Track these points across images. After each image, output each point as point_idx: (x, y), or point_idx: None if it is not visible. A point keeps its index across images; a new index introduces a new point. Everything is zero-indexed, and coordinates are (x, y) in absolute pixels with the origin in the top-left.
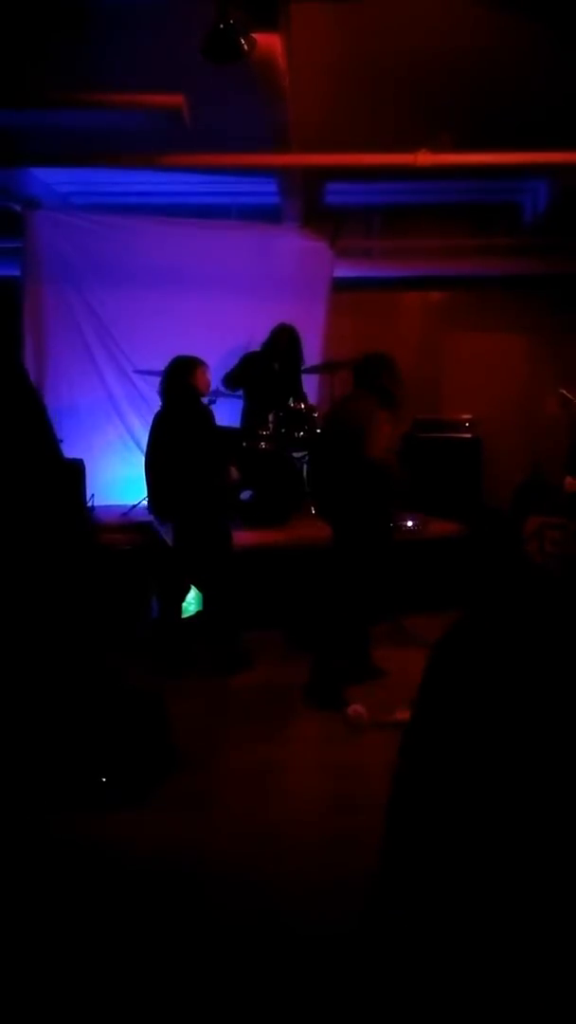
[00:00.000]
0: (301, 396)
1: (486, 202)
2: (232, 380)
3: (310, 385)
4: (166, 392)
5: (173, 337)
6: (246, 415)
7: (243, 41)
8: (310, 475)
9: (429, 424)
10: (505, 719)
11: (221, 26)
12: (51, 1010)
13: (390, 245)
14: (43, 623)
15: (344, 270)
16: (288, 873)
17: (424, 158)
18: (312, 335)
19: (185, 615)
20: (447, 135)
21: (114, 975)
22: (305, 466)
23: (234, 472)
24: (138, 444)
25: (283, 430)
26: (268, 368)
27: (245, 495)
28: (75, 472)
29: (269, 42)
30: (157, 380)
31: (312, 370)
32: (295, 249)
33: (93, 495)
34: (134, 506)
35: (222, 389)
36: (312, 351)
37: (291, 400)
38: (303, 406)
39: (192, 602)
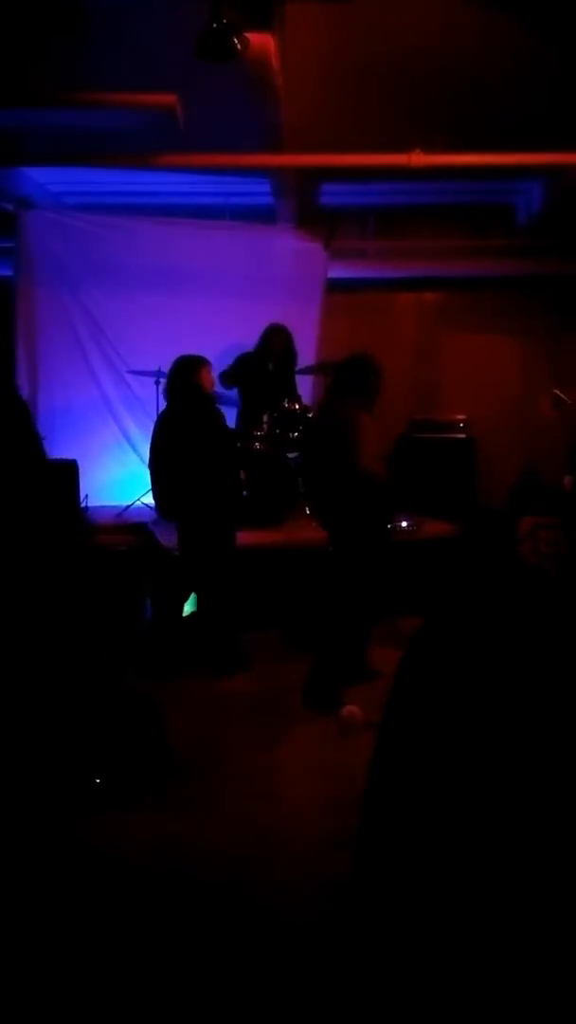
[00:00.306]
0: (295, 396)
1: (480, 203)
2: (227, 379)
3: (304, 386)
4: (172, 392)
5: (167, 338)
6: (240, 416)
7: (236, 41)
8: (303, 481)
9: (424, 424)
10: (479, 712)
11: (214, 25)
12: (48, 1009)
13: (384, 246)
14: (36, 625)
15: (338, 271)
16: (284, 874)
17: (418, 159)
18: (306, 336)
19: (183, 615)
20: (441, 136)
21: (108, 976)
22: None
23: (242, 473)
24: (132, 445)
25: (277, 431)
26: (262, 369)
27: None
28: (62, 473)
29: (262, 42)
30: (151, 380)
31: (306, 371)
32: (289, 250)
33: (87, 496)
34: (128, 506)
35: (217, 387)
36: (306, 352)
37: (285, 401)
38: (297, 407)
39: (189, 602)
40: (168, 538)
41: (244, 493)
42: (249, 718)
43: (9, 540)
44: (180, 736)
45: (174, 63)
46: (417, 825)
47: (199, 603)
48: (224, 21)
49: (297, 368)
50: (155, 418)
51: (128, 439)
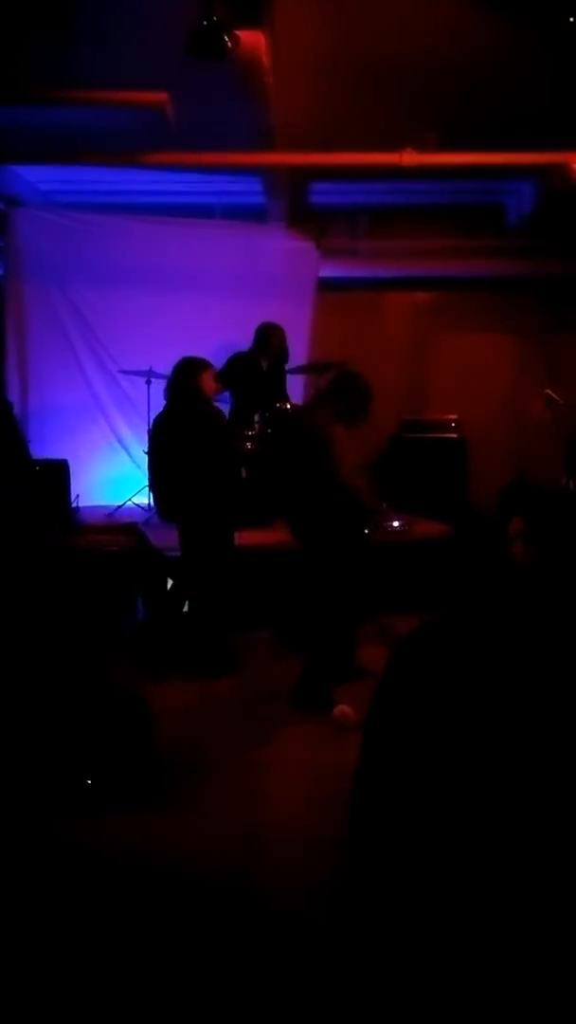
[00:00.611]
0: (285, 396)
1: (471, 203)
2: (220, 380)
3: (296, 385)
4: (171, 392)
5: (158, 337)
6: (232, 415)
7: (227, 38)
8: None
9: (414, 424)
10: (464, 711)
11: (205, 23)
12: (43, 1009)
13: (376, 245)
14: (22, 627)
15: (330, 270)
16: (276, 873)
17: (409, 158)
18: (298, 335)
19: (173, 617)
20: (432, 135)
21: (96, 977)
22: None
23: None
24: (123, 445)
25: (269, 430)
26: (255, 368)
27: None
28: (52, 473)
29: (253, 40)
30: (142, 380)
31: (298, 370)
32: (280, 249)
33: (78, 496)
34: (120, 507)
35: None
36: (298, 351)
37: (277, 401)
38: (288, 406)
39: (182, 604)
40: (159, 538)
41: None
42: (240, 718)
43: None
44: (171, 737)
45: (165, 61)
46: (403, 822)
47: (190, 605)
48: (215, 19)
49: (288, 368)
50: (146, 418)
51: (119, 439)
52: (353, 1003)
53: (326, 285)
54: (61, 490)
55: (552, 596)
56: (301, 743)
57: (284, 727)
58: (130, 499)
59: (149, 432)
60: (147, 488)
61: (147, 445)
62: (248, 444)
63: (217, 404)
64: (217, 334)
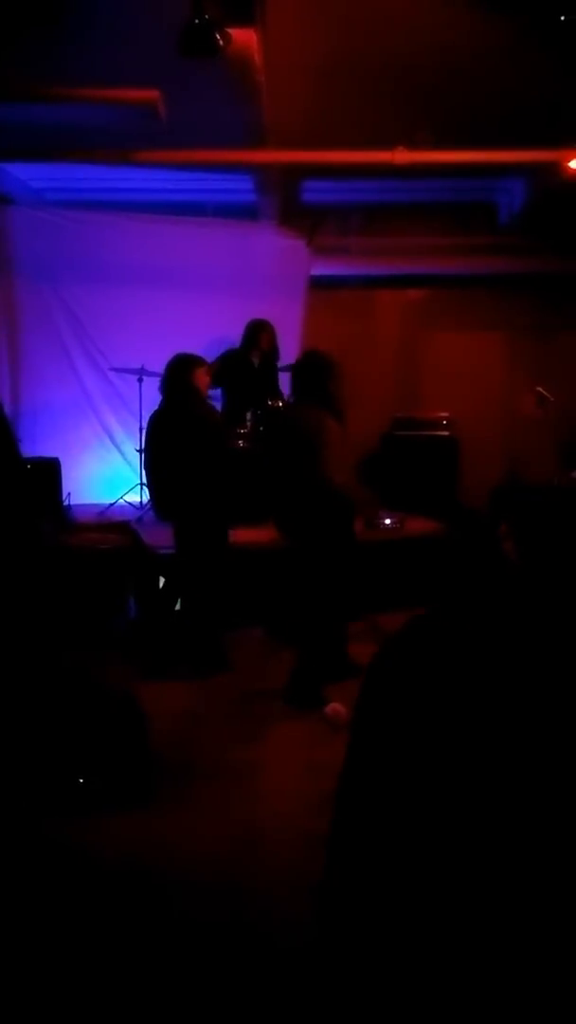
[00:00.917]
0: (278, 394)
1: (463, 201)
2: (211, 379)
3: (288, 383)
4: (166, 390)
5: (149, 335)
6: (224, 413)
7: (219, 36)
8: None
9: (407, 422)
10: (451, 709)
11: (196, 21)
12: (39, 1009)
13: (367, 243)
14: (12, 627)
15: (321, 268)
16: (268, 873)
17: (402, 156)
18: (289, 333)
19: (166, 615)
20: (424, 133)
21: (91, 977)
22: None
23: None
24: (115, 442)
25: (261, 428)
26: (246, 365)
27: None
28: (44, 471)
29: (245, 37)
30: (134, 378)
31: (289, 368)
32: (272, 247)
33: (70, 494)
34: (112, 504)
35: None
36: (289, 349)
37: (269, 399)
38: (281, 404)
39: (175, 602)
40: (152, 536)
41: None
42: (234, 716)
43: None
44: (163, 735)
45: (156, 58)
46: (388, 821)
47: (182, 603)
48: (206, 16)
49: (279, 366)
50: (138, 416)
51: (111, 437)
52: (340, 1003)
53: (318, 283)
54: (53, 488)
55: (540, 595)
56: (294, 741)
57: (277, 725)
58: (122, 497)
59: (144, 429)
60: (139, 486)
61: (140, 443)
62: (240, 442)
63: (210, 402)
64: (209, 332)
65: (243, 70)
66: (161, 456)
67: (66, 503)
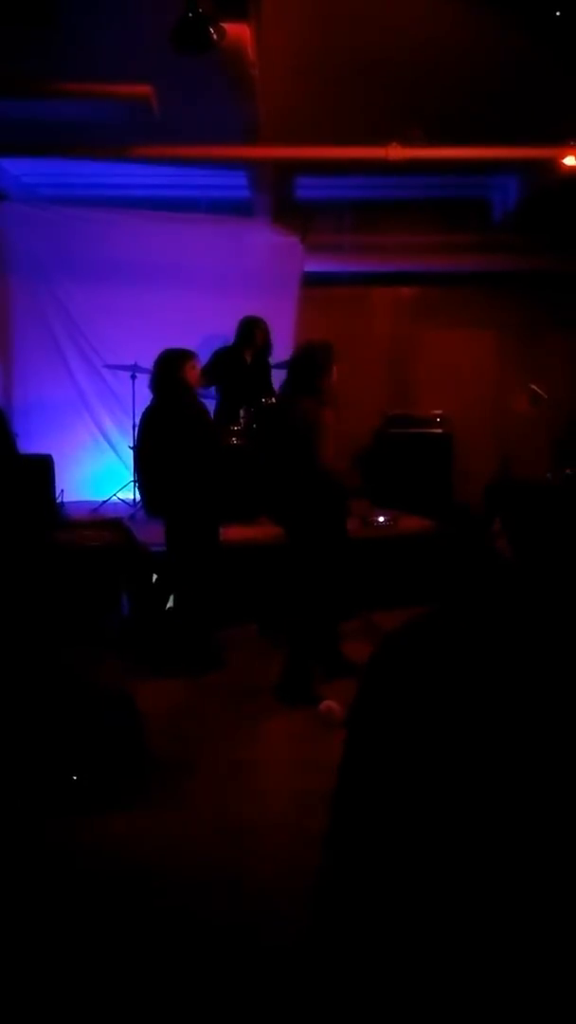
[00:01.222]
0: (271, 391)
1: (457, 198)
2: (205, 376)
3: (280, 380)
4: (156, 386)
5: (143, 331)
6: (217, 410)
7: (213, 31)
8: (263, 479)
9: (400, 420)
10: (449, 708)
11: (190, 15)
12: (34, 1007)
13: (361, 240)
14: (8, 623)
15: (315, 265)
16: (262, 870)
17: (396, 152)
18: (282, 330)
19: (158, 612)
20: (418, 129)
21: (85, 975)
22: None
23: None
24: (108, 440)
25: (254, 425)
26: (239, 362)
27: None
28: (37, 468)
29: (239, 32)
30: (127, 375)
31: (283, 365)
32: (265, 243)
33: (63, 491)
34: (105, 502)
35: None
36: (282, 346)
37: (263, 397)
38: (274, 401)
39: (166, 599)
40: (144, 534)
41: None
42: (226, 714)
43: None
44: (157, 733)
45: (150, 53)
46: (385, 819)
47: (175, 600)
48: (200, 11)
49: (273, 363)
50: (131, 413)
51: (104, 434)
52: (334, 999)
53: (311, 280)
54: (46, 485)
55: (535, 592)
56: (288, 739)
57: (270, 723)
58: (115, 494)
59: (137, 427)
60: (132, 483)
61: (133, 440)
62: (234, 439)
63: (202, 399)
64: (202, 328)
65: (237, 65)
66: (152, 453)
67: (59, 500)
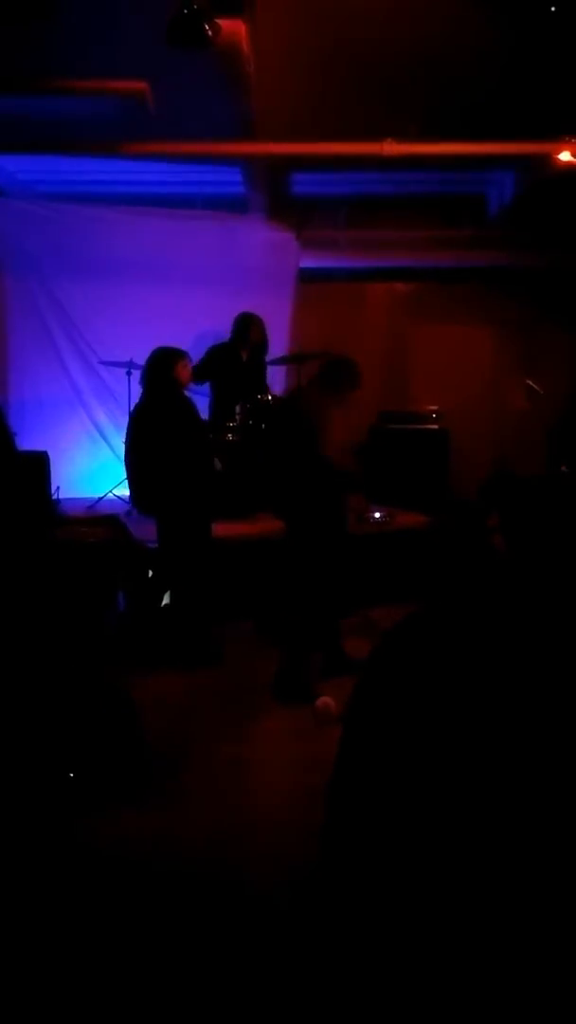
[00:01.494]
0: (266, 388)
1: (452, 193)
2: (199, 373)
3: (277, 376)
4: (147, 384)
5: (138, 328)
6: (213, 407)
7: (208, 27)
8: (265, 469)
9: (396, 416)
10: (446, 707)
11: (185, 11)
12: (38, 998)
13: (356, 236)
14: (8, 620)
15: (310, 261)
16: (260, 866)
17: (391, 148)
18: (278, 326)
19: (154, 609)
20: (413, 125)
21: (86, 970)
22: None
23: (217, 463)
24: (104, 436)
25: (250, 422)
26: (234, 359)
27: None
28: (32, 465)
29: (234, 28)
30: (123, 371)
31: (279, 361)
32: (261, 240)
33: (59, 488)
34: (101, 499)
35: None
36: (278, 342)
37: (258, 393)
38: (270, 398)
39: (161, 596)
40: (141, 530)
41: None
42: (223, 710)
43: None
44: (155, 730)
45: (145, 49)
46: (381, 816)
47: (172, 597)
48: (195, 7)
49: (268, 359)
50: (127, 409)
51: (100, 430)
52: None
53: (307, 276)
54: (41, 482)
55: (532, 589)
56: (285, 735)
57: (268, 719)
58: (111, 491)
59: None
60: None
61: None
62: (229, 436)
63: (193, 395)
64: (197, 325)
65: (232, 61)
66: (142, 450)
67: (55, 497)
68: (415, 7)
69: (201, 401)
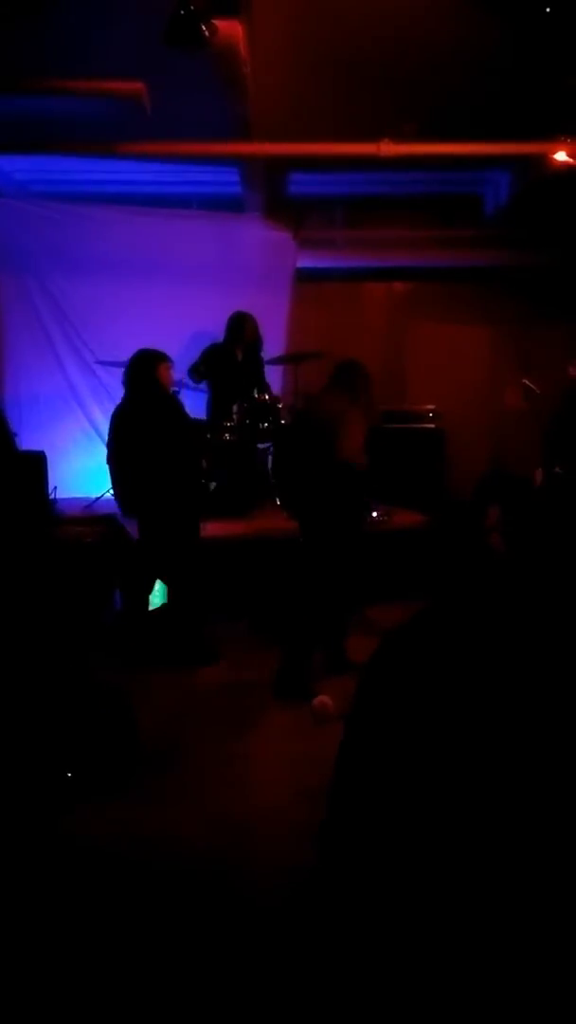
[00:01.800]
0: (264, 387)
1: (449, 193)
2: (196, 373)
3: (274, 376)
4: (130, 385)
5: (135, 327)
6: (211, 406)
7: (205, 27)
8: (277, 469)
9: (393, 415)
10: (448, 707)
11: (182, 12)
12: (31, 994)
13: (353, 236)
14: (5, 618)
15: (307, 260)
16: (258, 863)
17: (387, 148)
18: (275, 326)
19: (150, 608)
20: (410, 125)
21: (81, 967)
22: (270, 457)
23: (203, 462)
24: (100, 435)
25: (248, 421)
26: (230, 358)
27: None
28: (30, 465)
29: (231, 28)
30: (120, 371)
31: (276, 361)
32: (258, 239)
33: (56, 487)
34: (97, 498)
35: (186, 381)
36: (275, 342)
37: (255, 392)
38: (267, 397)
39: (157, 595)
40: (137, 530)
41: (212, 483)
42: (219, 709)
43: None
44: (151, 728)
45: (142, 50)
46: (383, 817)
47: (167, 596)
48: (192, 7)
49: (266, 358)
50: None
51: (96, 430)
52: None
53: (304, 276)
54: (39, 481)
55: (531, 588)
56: (282, 734)
57: (265, 718)
58: (108, 491)
59: (109, 425)
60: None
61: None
62: (227, 435)
63: (193, 395)
64: (194, 324)
65: (228, 62)
66: (125, 452)
67: (52, 496)
68: (411, 8)
69: (201, 401)
